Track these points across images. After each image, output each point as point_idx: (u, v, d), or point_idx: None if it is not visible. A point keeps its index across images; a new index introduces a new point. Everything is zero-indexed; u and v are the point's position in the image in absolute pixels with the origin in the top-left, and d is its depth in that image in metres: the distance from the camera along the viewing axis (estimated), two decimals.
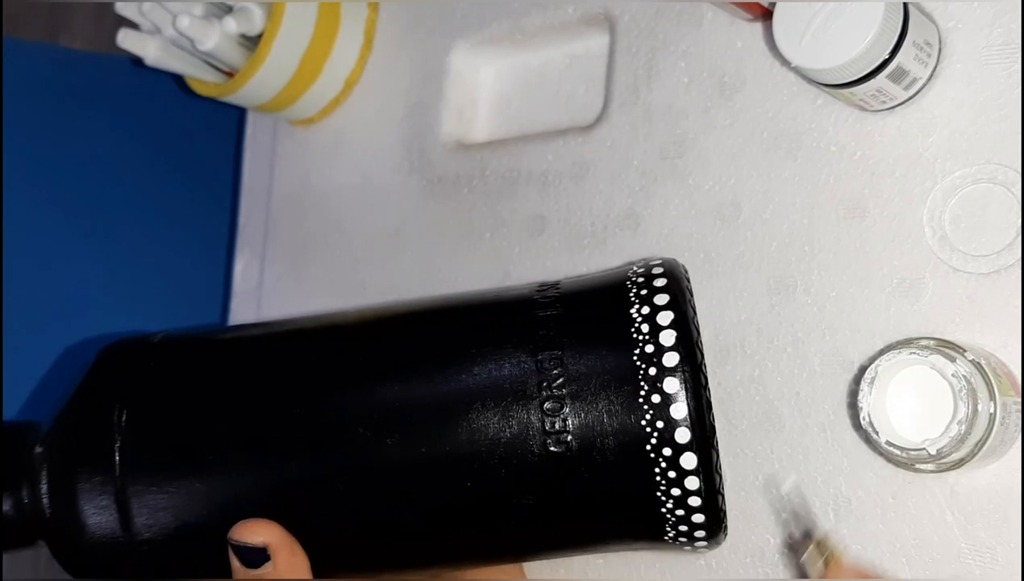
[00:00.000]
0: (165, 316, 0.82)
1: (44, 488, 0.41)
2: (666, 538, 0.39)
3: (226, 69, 0.64)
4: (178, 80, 0.65)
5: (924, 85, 0.44)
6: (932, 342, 0.39)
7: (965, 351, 0.37)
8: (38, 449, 0.42)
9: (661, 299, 0.39)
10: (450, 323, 0.42)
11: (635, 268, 0.42)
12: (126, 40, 0.62)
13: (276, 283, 0.68)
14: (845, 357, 0.44)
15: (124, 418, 0.41)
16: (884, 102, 0.44)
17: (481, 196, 0.58)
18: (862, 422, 0.38)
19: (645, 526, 0.39)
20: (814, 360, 0.45)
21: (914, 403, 0.38)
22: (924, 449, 0.37)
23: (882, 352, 0.39)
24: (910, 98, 0.44)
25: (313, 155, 0.67)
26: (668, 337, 0.38)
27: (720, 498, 0.38)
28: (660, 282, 0.39)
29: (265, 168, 0.70)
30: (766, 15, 0.48)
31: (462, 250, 0.58)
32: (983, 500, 0.41)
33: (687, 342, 0.37)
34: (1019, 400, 0.39)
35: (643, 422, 0.37)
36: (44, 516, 0.41)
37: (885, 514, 0.43)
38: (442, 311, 0.43)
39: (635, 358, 0.38)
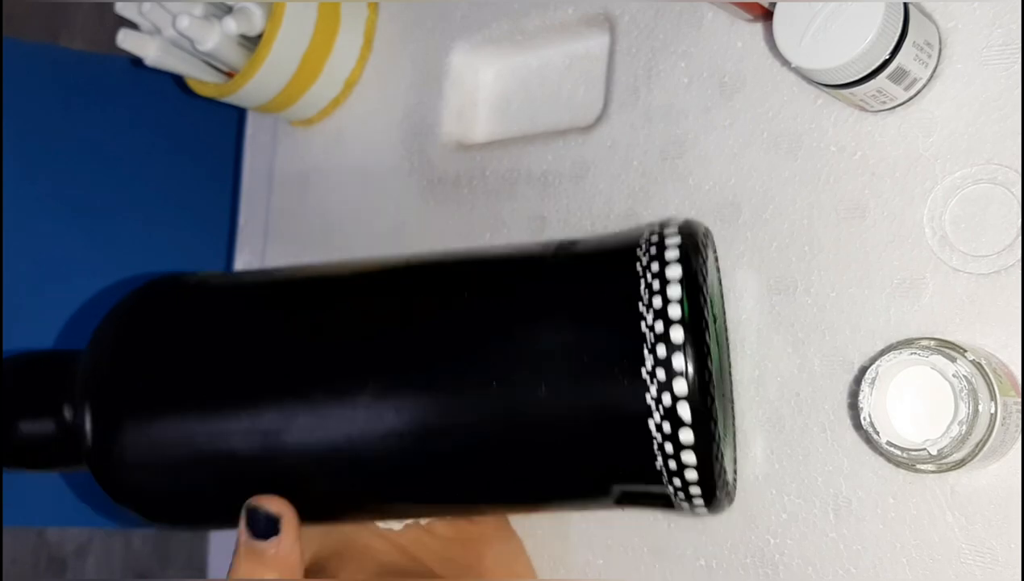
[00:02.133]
0: None
1: (88, 414, 0.43)
2: (663, 483, 0.39)
3: (226, 69, 0.64)
4: (178, 80, 0.65)
5: (924, 85, 0.44)
6: (933, 342, 0.39)
7: (966, 351, 0.37)
8: (79, 375, 0.44)
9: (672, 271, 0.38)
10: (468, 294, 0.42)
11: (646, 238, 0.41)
12: (126, 40, 0.62)
13: None
14: (845, 357, 0.44)
15: (157, 354, 0.43)
16: (884, 102, 0.44)
17: (481, 196, 0.58)
18: (863, 422, 0.38)
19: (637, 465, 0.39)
20: (814, 360, 0.45)
21: (915, 403, 0.38)
22: (925, 450, 0.37)
23: (883, 353, 0.39)
24: (910, 98, 0.44)
25: (313, 155, 0.67)
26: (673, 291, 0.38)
27: (714, 449, 0.38)
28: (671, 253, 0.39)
29: (265, 168, 0.70)
30: (766, 15, 0.48)
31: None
32: (984, 501, 0.41)
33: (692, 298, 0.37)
34: (1019, 400, 0.39)
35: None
36: (86, 439, 0.43)
37: (886, 515, 0.43)
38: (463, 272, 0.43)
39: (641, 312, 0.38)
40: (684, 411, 0.37)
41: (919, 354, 0.37)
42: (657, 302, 0.37)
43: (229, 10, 0.62)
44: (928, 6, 0.44)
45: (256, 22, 0.61)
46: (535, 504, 0.44)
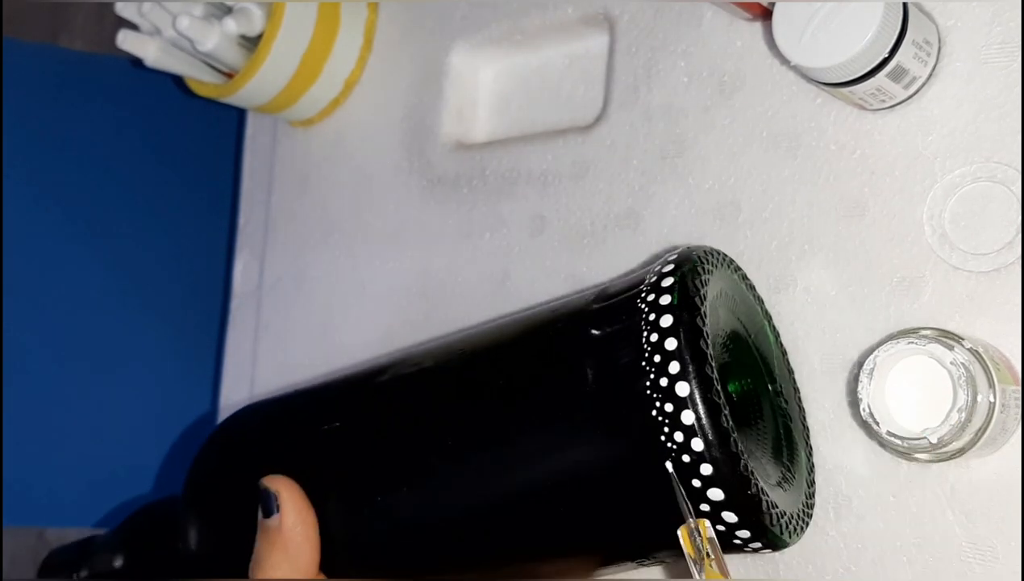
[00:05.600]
0: (164, 316, 0.82)
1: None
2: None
3: (226, 70, 0.64)
4: (178, 81, 0.65)
5: (924, 84, 0.44)
6: (930, 331, 0.39)
7: (963, 339, 0.37)
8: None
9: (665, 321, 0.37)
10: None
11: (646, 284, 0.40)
12: (126, 41, 0.62)
13: (276, 283, 0.68)
14: (845, 355, 0.44)
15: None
16: (884, 101, 0.44)
17: (481, 196, 0.58)
18: (862, 413, 0.38)
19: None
20: (814, 359, 0.45)
21: (914, 393, 0.38)
22: (925, 438, 0.37)
23: (880, 343, 0.39)
24: (910, 97, 0.44)
25: (313, 155, 0.67)
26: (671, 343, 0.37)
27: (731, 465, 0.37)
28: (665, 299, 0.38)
29: (265, 168, 0.70)
30: (766, 14, 0.48)
31: (462, 250, 0.58)
32: (984, 498, 0.41)
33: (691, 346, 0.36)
34: (1018, 389, 0.39)
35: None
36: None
37: (886, 513, 0.43)
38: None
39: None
40: (706, 468, 0.35)
41: (916, 343, 0.38)
42: (657, 359, 0.36)
43: (229, 10, 0.62)
44: (927, 5, 0.44)
45: (256, 22, 0.61)
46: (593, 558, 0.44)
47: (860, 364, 0.44)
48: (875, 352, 0.39)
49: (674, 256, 0.40)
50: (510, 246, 0.56)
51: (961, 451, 0.38)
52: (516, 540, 0.41)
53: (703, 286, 0.38)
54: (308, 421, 0.46)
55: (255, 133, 0.71)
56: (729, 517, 0.36)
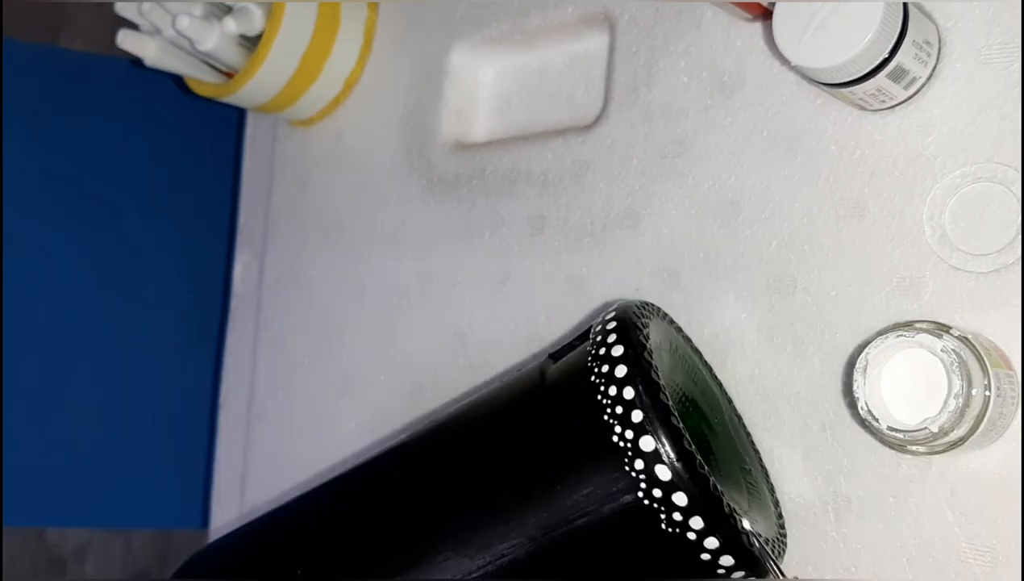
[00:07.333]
0: (165, 315, 0.82)
1: None
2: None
3: (226, 69, 0.64)
4: (178, 80, 0.65)
5: (924, 84, 0.44)
6: (920, 324, 0.39)
7: (951, 328, 0.38)
8: None
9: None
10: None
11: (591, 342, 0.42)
12: (126, 41, 0.62)
13: (276, 283, 0.68)
14: (845, 356, 0.44)
15: None
16: (884, 101, 0.44)
17: (481, 196, 0.58)
18: (860, 411, 0.38)
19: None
20: (814, 359, 0.45)
21: (910, 387, 0.38)
22: (926, 428, 0.37)
23: (870, 340, 0.39)
24: (910, 97, 0.44)
25: (313, 155, 0.67)
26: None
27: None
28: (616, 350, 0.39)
29: (265, 168, 0.70)
30: (766, 15, 0.48)
31: (462, 250, 0.58)
32: (983, 499, 0.41)
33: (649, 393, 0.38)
34: (1011, 373, 0.39)
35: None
36: None
37: (886, 513, 0.43)
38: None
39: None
40: (680, 498, 0.37)
41: (906, 335, 0.38)
42: (619, 410, 0.38)
43: (229, 10, 0.62)
44: (927, 5, 0.44)
45: (256, 22, 0.61)
46: None
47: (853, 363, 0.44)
48: (867, 349, 0.39)
49: (612, 311, 0.42)
50: (510, 246, 0.56)
51: (962, 440, 0.38)
52: None
53: (645, 331, 0.40)
54: (275, 561, 0.46)
55: (255, 133, 0.71)
56: (711, 543, 0.37)
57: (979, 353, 0.37)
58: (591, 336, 0.41)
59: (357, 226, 0.64)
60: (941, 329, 0.38)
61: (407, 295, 0.60)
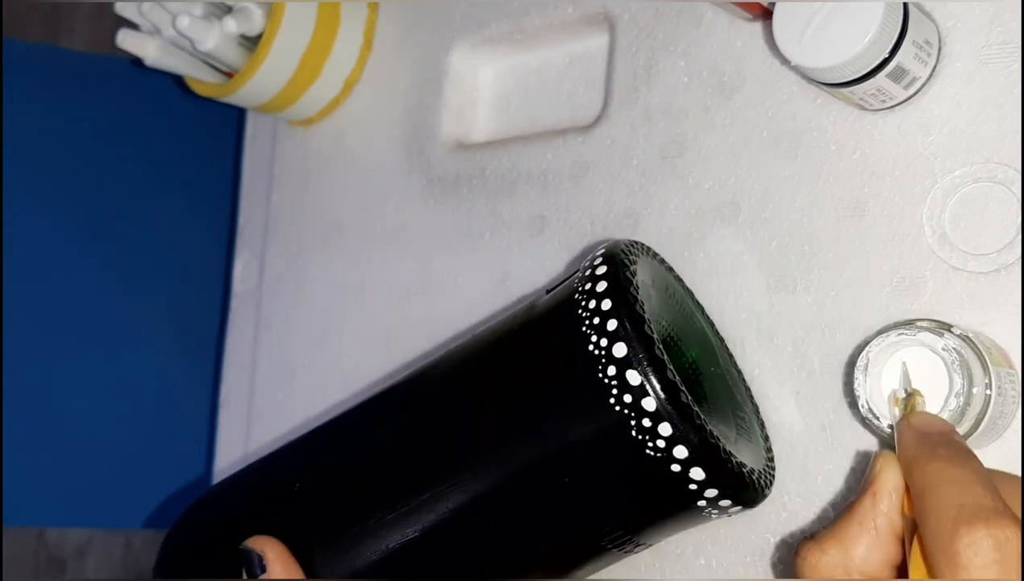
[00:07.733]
0: (165, 315, 0.82)
1: None
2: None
3: (226, 69, 0.64)
4: (178, 80, 0.65)
5: (924, 84, 0.44)
6: (921, 322, 0.39)
7: (952, 326, 0.38)
8: None
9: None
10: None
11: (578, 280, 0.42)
12: (126, 40, 0.62)
13: (276, 283, 0.68)
14: (845, 356, 0.44)
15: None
16: (884, 101, 0.44)
17: (481, 196, 0.58)
18: (861, 410, 0.38)
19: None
20: (814, 359, 0.45)
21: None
22: None
23: (871, 338, 0.39)
24: (910, 97, 0.44)
25: (313, 155, 0.67)
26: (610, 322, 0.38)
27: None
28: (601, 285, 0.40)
29: (265, 168, 0.70)
30: (766, 14, 0.48)
31: (462, 250, 0.58)
32: None
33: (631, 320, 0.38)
34: (1012, 372, 0.39)
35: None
36: None
37: None
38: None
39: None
40: (664, 428, 0.37)
41: (907, 333, 0.38)
42: (603, 343, 0.38)
43: (229, 10, 0.62)
44: (928, 5, 0.44)
45: (256, 22, 0.61)
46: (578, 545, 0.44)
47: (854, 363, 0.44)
48: (867, 347, 0.39)
49: (601, 250, 0.42)
50: (510, 246, 0.56)
51: (964, 438, 0.38)
52: (506, 547, 0.42)
53: (633, 269, 0.41)
54: (275, 485, 0.46)
55: (255, 133, 0.71)
56: (697, 474, 0.38)
57: (980, 352, 0.37)
58: (579, 271, 0.42)
59: (357, 226, 0.64)
60: (942, 327, 0.38)
61: (407, 295, 0.60)
